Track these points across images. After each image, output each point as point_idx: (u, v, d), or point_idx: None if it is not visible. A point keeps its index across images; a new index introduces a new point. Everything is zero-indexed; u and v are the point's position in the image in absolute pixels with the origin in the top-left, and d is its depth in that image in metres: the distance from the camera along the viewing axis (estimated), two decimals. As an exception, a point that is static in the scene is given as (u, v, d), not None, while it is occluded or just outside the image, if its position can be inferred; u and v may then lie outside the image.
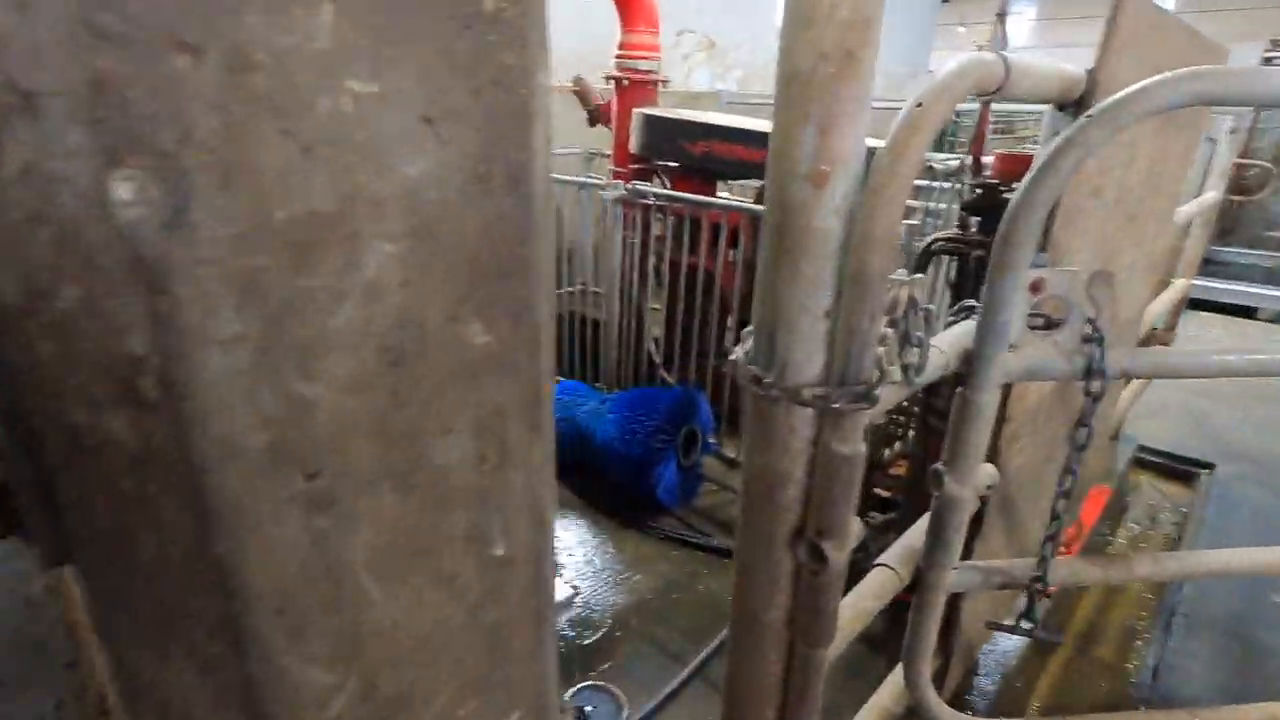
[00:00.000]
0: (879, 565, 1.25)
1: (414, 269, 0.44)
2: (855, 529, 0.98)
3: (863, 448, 0.92)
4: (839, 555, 0.94)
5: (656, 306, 3.94)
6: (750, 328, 0.98)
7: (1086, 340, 1.06)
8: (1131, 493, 3.50)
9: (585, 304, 4.17)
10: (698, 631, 2.43)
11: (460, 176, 0.44)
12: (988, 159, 2.09)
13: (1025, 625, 1.18)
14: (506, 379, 0.55)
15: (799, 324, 0.87)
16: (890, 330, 0.92)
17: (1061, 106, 1.19)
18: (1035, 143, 5.80)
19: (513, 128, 0.46)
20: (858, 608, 1.16)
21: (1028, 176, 0.97)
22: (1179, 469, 3.68)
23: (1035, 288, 1.03)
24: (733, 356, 0.99)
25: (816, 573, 0.96)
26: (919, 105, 0.83)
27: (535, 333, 0.56)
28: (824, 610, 0.98)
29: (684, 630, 2.44)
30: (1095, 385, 1.05)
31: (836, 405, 0.86)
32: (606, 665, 2.29)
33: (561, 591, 2.56)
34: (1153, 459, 3.71)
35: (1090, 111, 0.92)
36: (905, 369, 0.94)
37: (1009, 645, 2.38)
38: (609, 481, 3.15)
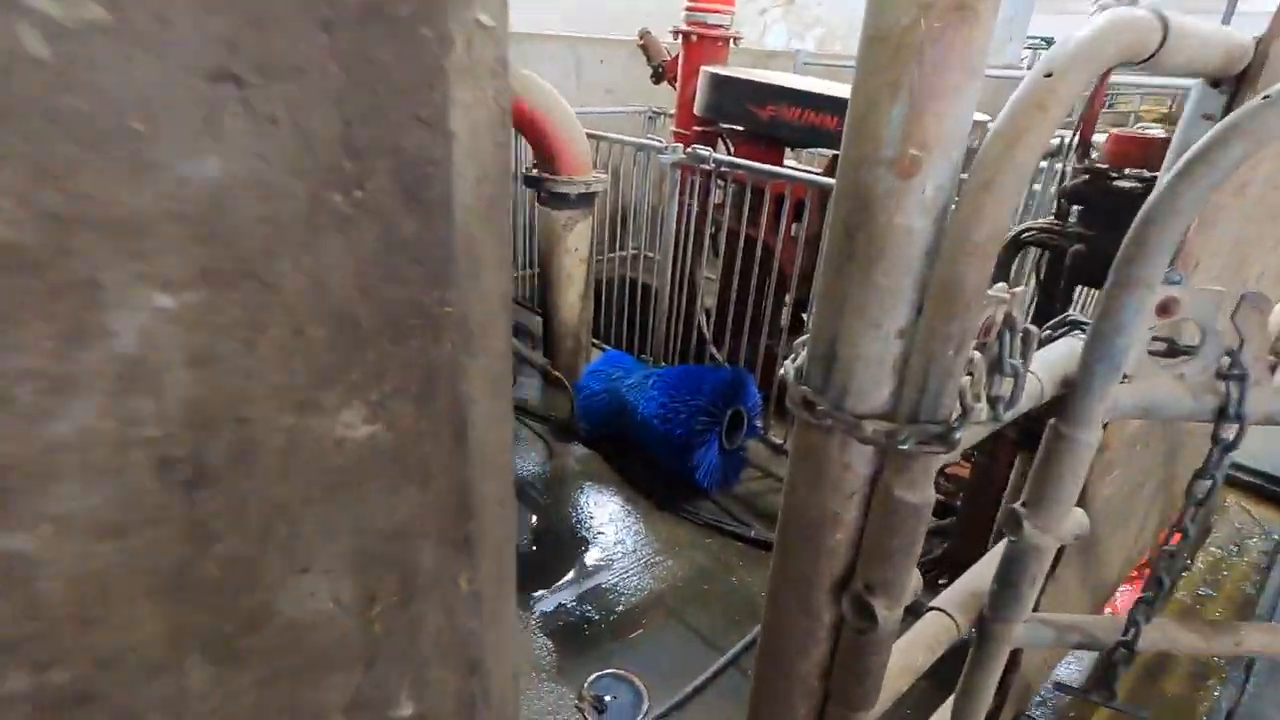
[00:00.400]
0: (934, 610, 1.09)
1: (221, 332, 0.28)
2: (914, 583, 0.83)
3: (932, 495, 0.76)
4: (891, 615, 0.80)
5: (711, 276, 3.76)
6: (804, 338, 0.82)
7: (1222, 376, 0.87)
8: (1216, 513, 3.19)
9: (638, 269, 4.02)
10: (728, 626, 2.32)
11: (305, 180, 0.27)
12: (1098, 138, 1.83)
13: (1103, 696, 1.01)
14: (408, 485, 0.40)
15: (865, 343, 0.71)
16: (978, 354, 0.75)
17: (1216, 83, 0.96)
18: (1142, 121, 5.26)
19: (409, 97, 0.29)
20: (905, 662, 1.01)
21: (1170, 171, 0.77)
22: (1275, 490, 3.34)
23: (1165, 309, 0.83)
24: (781, 370, 0.84)
25: (863, 631, 0.81)
26: (1048, 76, 0.64)
27: (460, 411, 0.41)
28: (868, 673, 0.84)
29: (713, 623, 2.34)
30: (1229, 432, 0.86)
31: (905, 446, 0.71)
32: (630, 652, 2.21)
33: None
34: (1244, 477, 3.38)
35: (1269, 92, 0.72)
36: (993, 403, 0.77)
37: (1065, 675, 2.19)
38: (647, 459, 3.04)
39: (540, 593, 2.41)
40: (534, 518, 2.80)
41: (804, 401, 0.77)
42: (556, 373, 3.28)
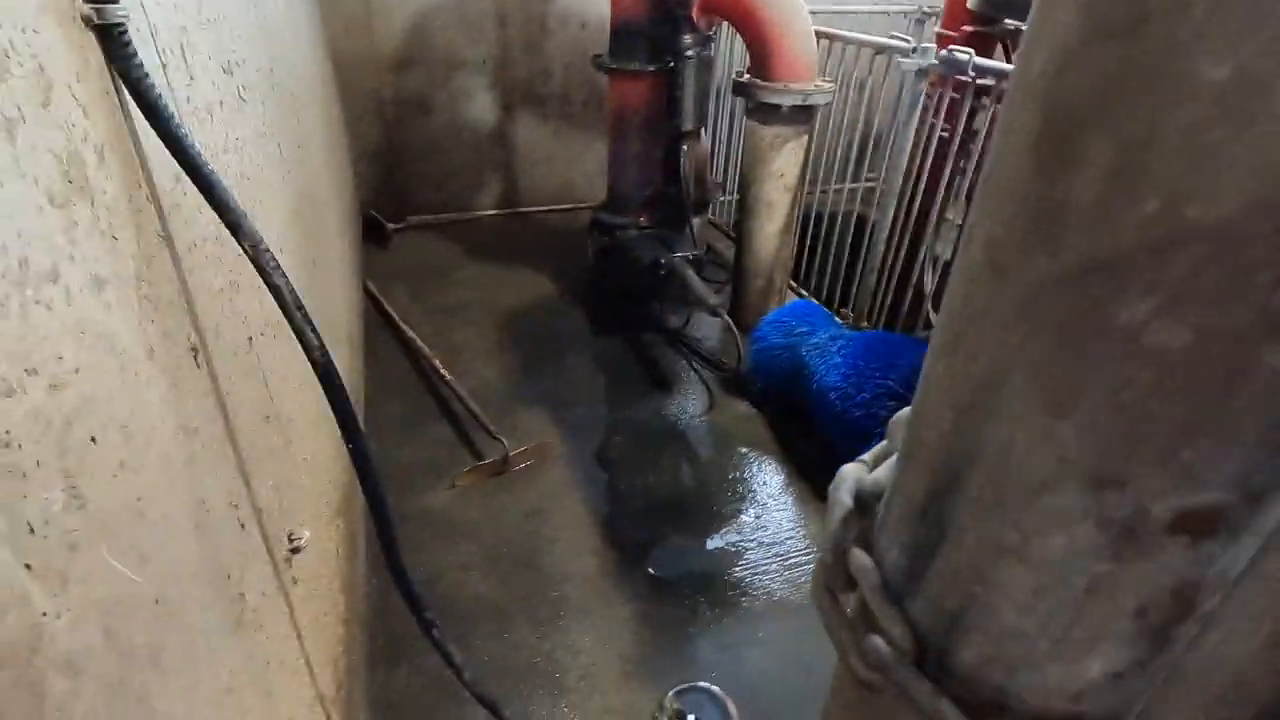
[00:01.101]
0: None
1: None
2: None
3: None
4: None
5: (950, 218, 2.99)
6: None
7: None
8: None
9: (871, 206, 3.35)
10: (864, 671, 1.84)
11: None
12: None
13: None
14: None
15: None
16: None
17: None
18: None
19: None
20: None
21: None
22: None
23: None
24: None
25: None
26: None
27: None
28: None
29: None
30: None
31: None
32: (733, 665, 1.85)
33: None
34: None
35: None
36: None
37: None
38: (818, 434, 2.54)
39: (651, 568, 2.12)
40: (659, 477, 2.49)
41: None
42: (724, 314, 2.84)
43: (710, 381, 3.00)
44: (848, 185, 3.87)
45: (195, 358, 0.79)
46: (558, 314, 3.49)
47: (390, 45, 4.02)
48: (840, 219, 3.37)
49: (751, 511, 2.33)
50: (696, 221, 3.95)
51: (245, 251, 0.78)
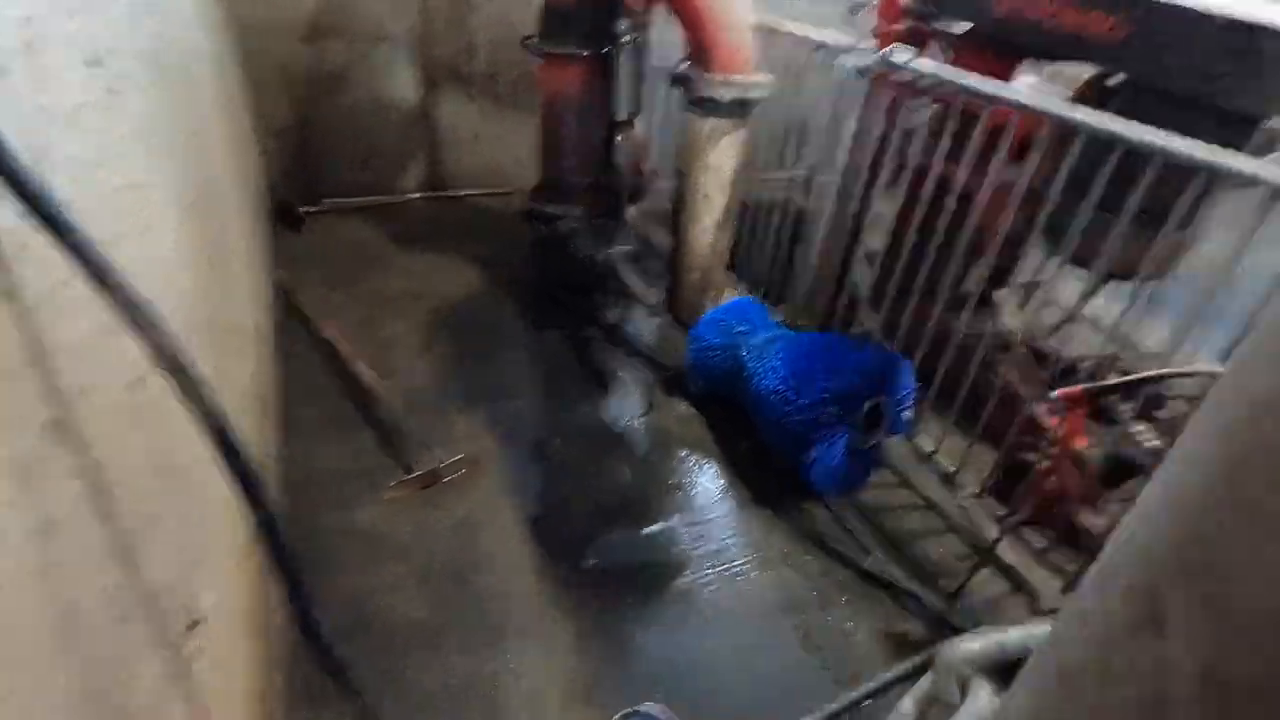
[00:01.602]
0: None
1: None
2: None
3: None
4: None
5: (886, 214, 3.00)
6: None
7: None
8: None
9: (807, 198, 3.32)
10: (810, 682, 1.84)
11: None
12: None
13: None
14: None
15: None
16: None
17: None
18: None
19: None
20: None
21: None
22: None
23: None
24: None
25: None
26: None
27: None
28: None
29: (792, 674, 1.87)
30: None
31: None
32: (678, 684, 1.81)
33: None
34: None
35: None
36: None
37: None
38: (758, 438, 2.52)
39: (593, 581, 2.05)
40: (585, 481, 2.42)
41: None
42: (661, 312, 2.76)
43: (649, 380, 2.94)
44: (781, 174, 3.85)
45: (54, 433, 0.66)
46: (491, 305, 3.34)
47: (301, 13, 3.70)
48: (774, 209, 3.32)
49: (693, 520, 2.29)
50: (633, 210, 3.86)
51: (111, 302, 0.65)
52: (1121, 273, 2.40)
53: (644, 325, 3.30)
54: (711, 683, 1.82)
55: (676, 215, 3.15)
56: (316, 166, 4.06)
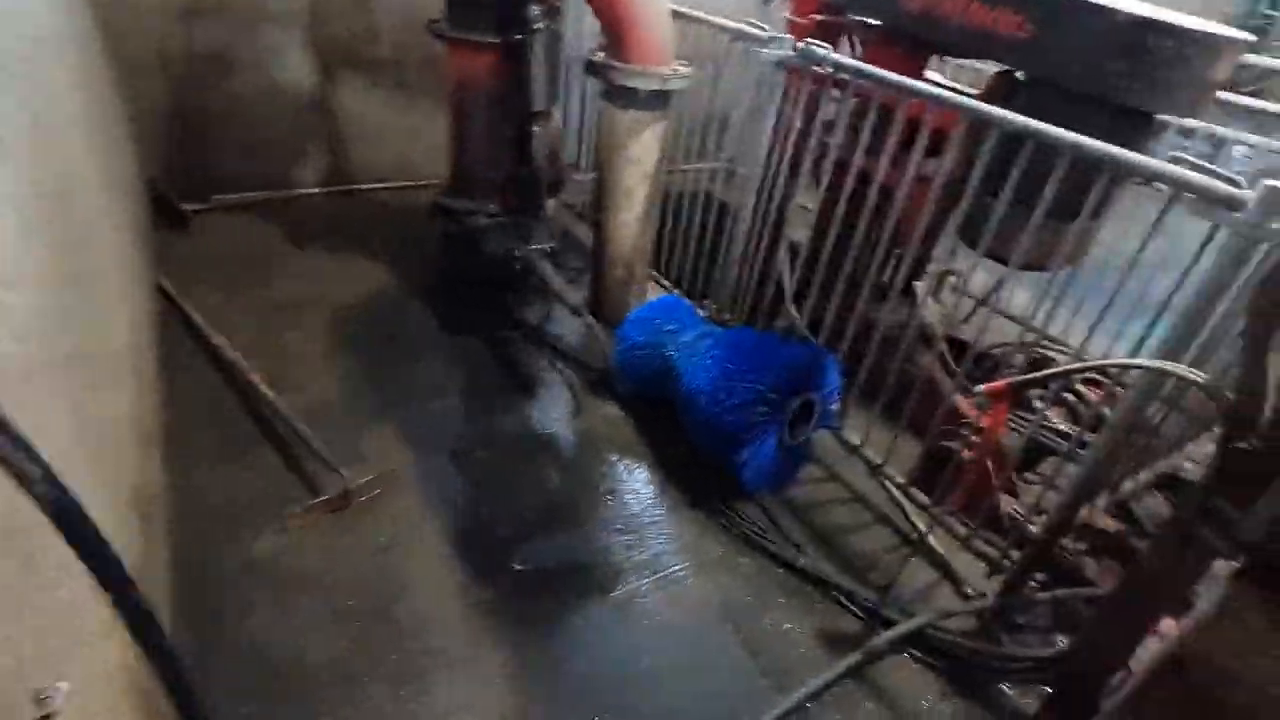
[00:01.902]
0: None
1: None
2: None
3: None
4: None
5: (808, 206, 3.01)
6: None
7: None
8: None
9: (730, 191, 3.28)
10: (747, 693, 1.81)
11: None
12: None
13: None
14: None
15: None
16: None
17: None
18: None
19: None
20: None
21: None
22: None
23: None
24: None
25: None
26: None
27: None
28: None
29: (729, 687, 1.84)
30: None
31: None
32: (618, 707, 1.74)
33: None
34: None
35: None
36: None
37: None
38: (689, 438, 2.48)
39: (523, 602, 1.95)
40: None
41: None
42: (586, 313, 2.65)
43: (575, 382, 2.84)
44: (702, 165, 3.82)
45: None
46: (403, 309, 3.15)
47: (173, -12, 3.35)
48: (696, 201, 3.27)
49: (626, 528, 2.22)
50: (552, 204, 3.73)
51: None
52: (1035, 265, 2.49)
53: (567, 324, 3.20)
54: (654, 701, 1.77)
55: (598, 210, 3.06)
56: (202, 159, 3.71)
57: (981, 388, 1.61)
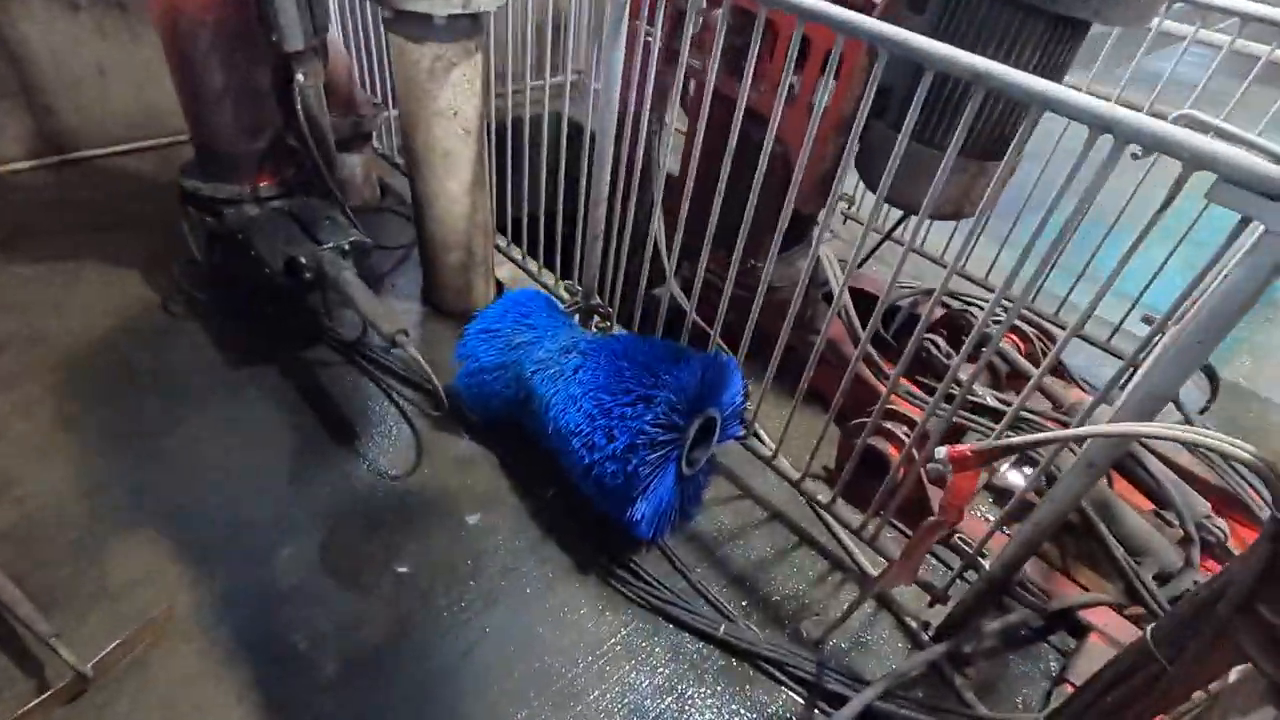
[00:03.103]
0: None
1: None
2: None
3: None
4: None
5: (682, 130, 2.43)
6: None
7: None
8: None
9: (583, 113, 2.56)
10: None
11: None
12: None
13: None
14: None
15: None
16: None
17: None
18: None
19: None
20: None
21: None
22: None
23: None
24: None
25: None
26: None
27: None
28: None
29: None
30: None
31: None
32: None
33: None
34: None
35: None
36: None
37: None
38: (563, 477, 1.97)
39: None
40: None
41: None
42: (408, 345, 1.93)
43: (415, 413, 2.22)
44: (541, 82, 3.07)
45: None
46: (164, 339, 2.34)
47: None
48: (541, 134, 2.55)
49: (501, 634, 1.72)
50: (357, 162, 2.92)
51: None
52: (947, 215, 2.08)
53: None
54: None
55: (413, 179, 2.33)
56: None
57: (944, 451, 1.18)
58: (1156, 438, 1.01)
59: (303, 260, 2.01)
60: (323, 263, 2.03)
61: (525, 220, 2.72)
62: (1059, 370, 2.61)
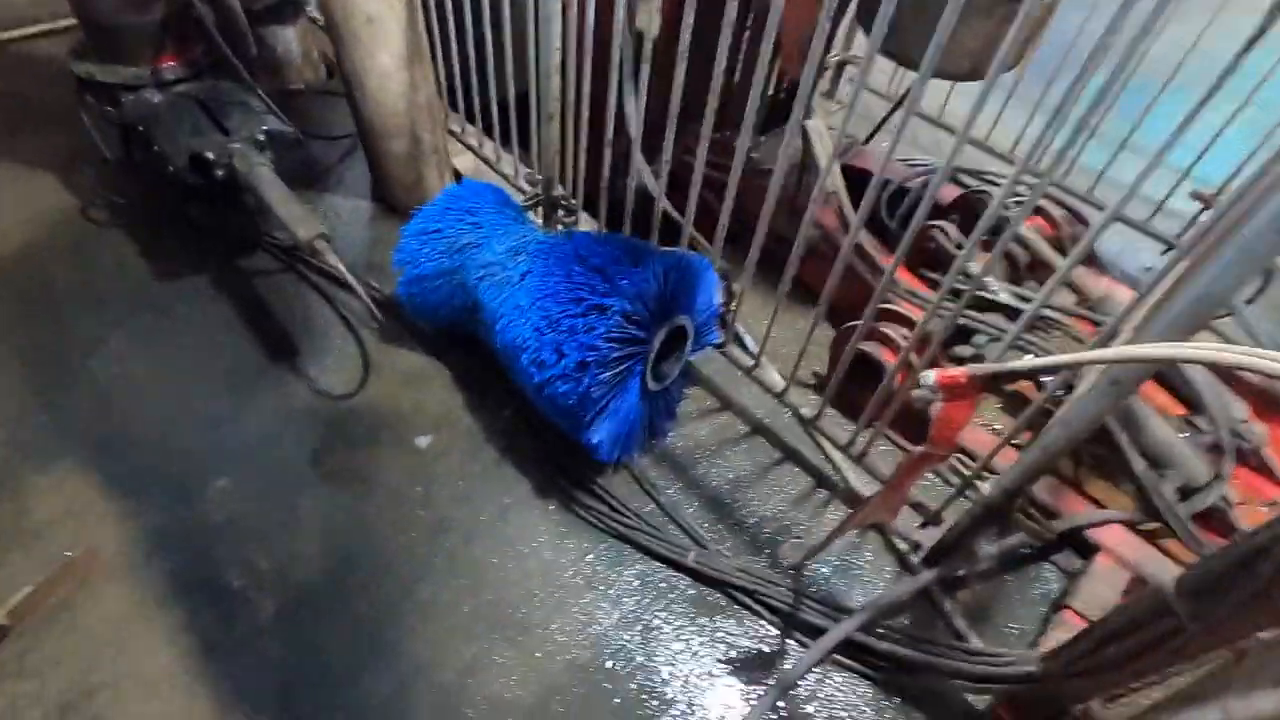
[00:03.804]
0: None
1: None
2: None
3: None
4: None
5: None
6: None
7: None
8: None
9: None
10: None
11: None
12: None
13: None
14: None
15: None
16: None
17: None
18: None
19: None
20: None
21: None
22: None
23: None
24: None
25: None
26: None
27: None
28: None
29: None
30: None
31: None
32: None
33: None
34: None
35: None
36: None
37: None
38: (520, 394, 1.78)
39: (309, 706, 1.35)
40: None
41: None
42: (331, 257, 1.66)
43: (359, 323, 2.02)
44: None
45: None
46: (83, 247, 2.12)
47: None
48: None
49: (454, 564, 1.59)
50: (292, 36, 2.57)
51: None
52: (963, 74, 1.73)
53: (344, 225, 2.27)
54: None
55: (339, 59, 2.00)
56: None
57: (933, 376, 0.96)
58: (1201, 362, 0.77)
59: (210, 155, 1.74)
60: (233, 158, 1.76)
61: (479, 99, 2.37)
62: (1088, 258, 2.31)
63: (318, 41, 2.81)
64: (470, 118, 2.44)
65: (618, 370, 1.53)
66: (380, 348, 1.97)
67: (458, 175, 2.43)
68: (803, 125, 1.87)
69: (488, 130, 2.34)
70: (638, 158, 1.84)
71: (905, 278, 2.03)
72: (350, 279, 1.66)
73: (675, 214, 1.91)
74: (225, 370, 1.88)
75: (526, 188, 2.20)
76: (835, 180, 1.91)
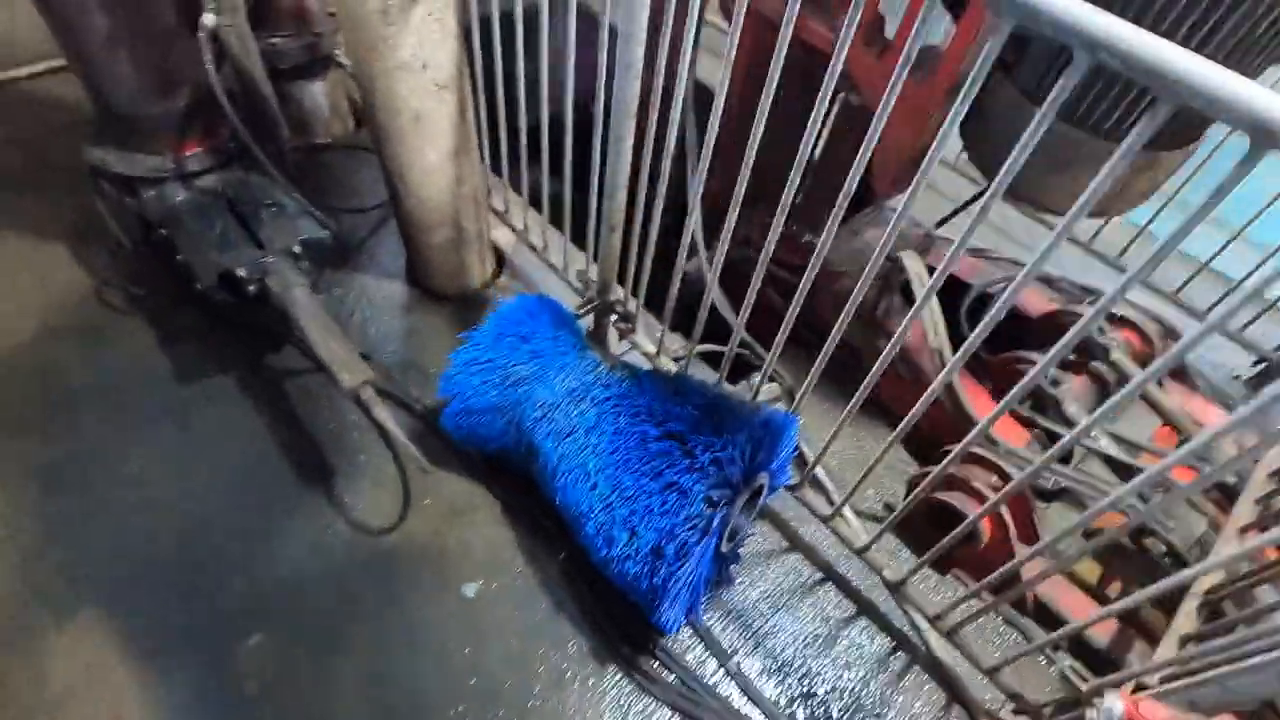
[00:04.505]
0: None
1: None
2: None
3: None
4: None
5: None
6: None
7: None
8: None
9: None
10: None
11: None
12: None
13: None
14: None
15: None
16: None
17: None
18: None
19: None
20: None
21: None
22: None
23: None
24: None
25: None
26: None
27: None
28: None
29: None
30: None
31: None
32: None
33: None
34: None
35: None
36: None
37: None
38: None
39: None
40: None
41: None
42: (375, 405, 1.49)
43: (400, 439, 1.86)
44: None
45: None
46: (98, 333, 1.97)
47: None
48: (556, 18, 1.94)
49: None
50: (320, 90, 2.39)
51: None
52: (1093, 214, 1.55)
53: (377, 312, 2.11)
54: None
55: (380, 154, 1.81)
56: None
57: (1118, 711, 0.81)
58: None
59: (241, 274, 1.57)
60: (266, 275, 1.60)
61: (521, 159, 2.18)
62: (1177, 372, 2.14)
63: (348, 88, 2.61)
64: (516, 188, 2.25)
65: (693, 545, 1.39)
66: (419, 478, 1.82)
67: (499, 258, 2.26)
68: (900, 258, 1.69)
69: (534, 195, 2.12)
70: (697, 237, 1.66)
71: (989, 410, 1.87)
72: (398, 434, 1.51)
73: (728, 314, 1.74)
74: (254, 498, 1.73)
75: (577, 284, 2.03)
76: (940, 339, 1.73)
